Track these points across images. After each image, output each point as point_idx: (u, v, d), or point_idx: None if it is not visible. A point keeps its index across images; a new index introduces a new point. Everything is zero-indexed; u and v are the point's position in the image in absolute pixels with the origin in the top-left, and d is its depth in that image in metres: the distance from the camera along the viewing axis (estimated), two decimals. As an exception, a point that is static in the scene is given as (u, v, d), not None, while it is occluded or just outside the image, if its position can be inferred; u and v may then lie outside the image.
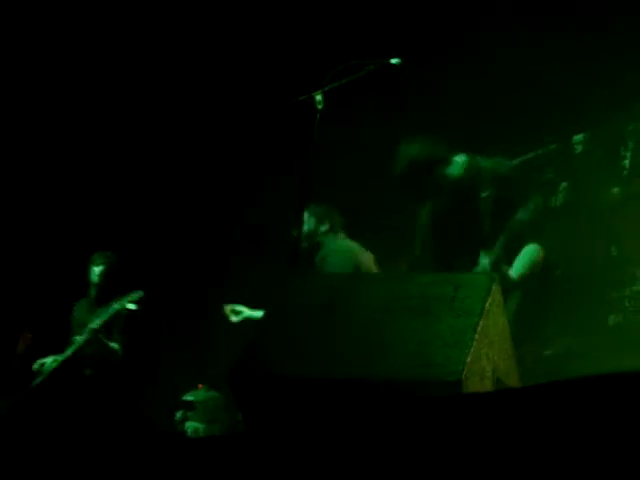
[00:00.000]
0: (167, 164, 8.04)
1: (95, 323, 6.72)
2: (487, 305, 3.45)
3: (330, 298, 3.63)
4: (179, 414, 6.89)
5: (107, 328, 6.83)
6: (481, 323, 3.39)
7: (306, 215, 5.03)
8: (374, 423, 2.84)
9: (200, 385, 7.27)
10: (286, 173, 5.36)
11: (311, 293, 3.74)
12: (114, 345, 6.89)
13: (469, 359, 3.29)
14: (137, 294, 6.80)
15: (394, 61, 4.95)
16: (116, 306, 6.76)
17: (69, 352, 6.81)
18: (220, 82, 7.68)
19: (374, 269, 5.61)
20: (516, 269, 5.22)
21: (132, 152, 8.00)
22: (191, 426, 6.86)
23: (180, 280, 8.07)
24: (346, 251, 5.64)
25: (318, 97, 4.79)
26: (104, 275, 6.97)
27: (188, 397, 6.98)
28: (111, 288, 6.92)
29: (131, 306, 6.75)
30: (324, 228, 5.69)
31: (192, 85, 7.71)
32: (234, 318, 5.98)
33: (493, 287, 3.51)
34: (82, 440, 3.49)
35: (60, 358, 6.82)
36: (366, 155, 6.68)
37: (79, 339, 6.78)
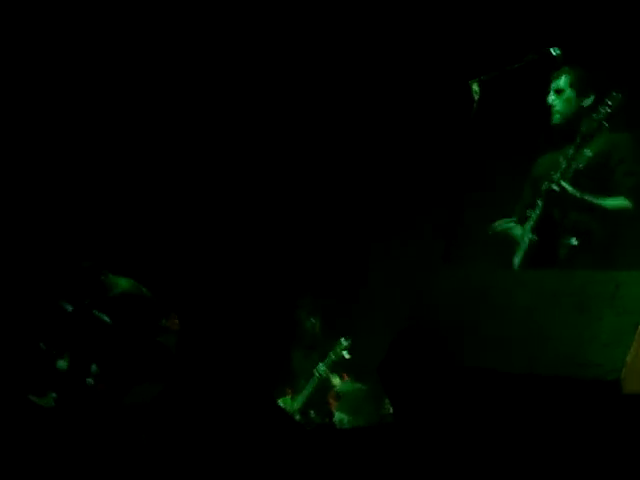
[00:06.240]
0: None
1: None
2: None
3: (483, 289, 3.56)
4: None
5: None
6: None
7: None
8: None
9: (345, 376, 7.29)
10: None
11: (462, 283, 3.67)
12: None
13: (629, 359, 3.18)
14: None
15: (554, 52, 4.74)
16: None
17: None
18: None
19: None
20: None
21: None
22: (337, 417, 6.90)
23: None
24: None
25: (475, 87, 4.69)
26: None
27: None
28: None
29: None
30: None
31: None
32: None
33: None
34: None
35: None
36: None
37: None
